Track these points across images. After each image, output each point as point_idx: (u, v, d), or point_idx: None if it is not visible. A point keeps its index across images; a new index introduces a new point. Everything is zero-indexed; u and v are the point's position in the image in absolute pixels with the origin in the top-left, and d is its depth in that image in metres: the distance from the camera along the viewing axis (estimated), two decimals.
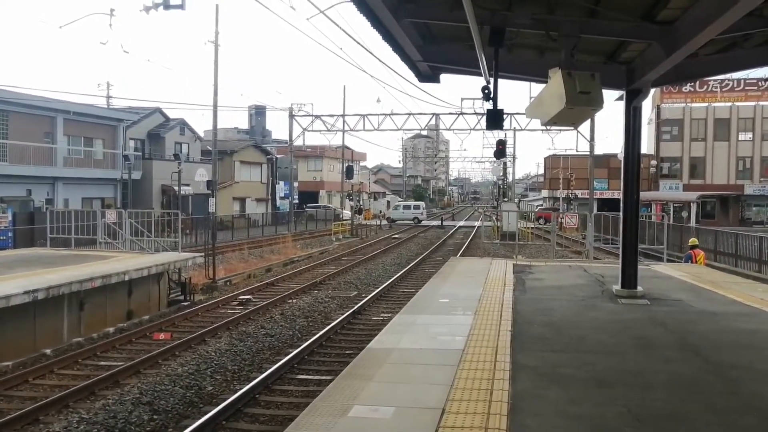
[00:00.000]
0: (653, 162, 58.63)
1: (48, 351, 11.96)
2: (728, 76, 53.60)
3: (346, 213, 52.42)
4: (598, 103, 7.95)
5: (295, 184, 54.09)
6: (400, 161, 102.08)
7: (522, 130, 45.54)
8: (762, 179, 57.78)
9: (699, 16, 7.66)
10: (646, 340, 8.13)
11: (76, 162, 37.45)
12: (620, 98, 11.72)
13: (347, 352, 11.88)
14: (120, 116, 41.78)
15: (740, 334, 8.59)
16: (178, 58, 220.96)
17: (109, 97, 50.76)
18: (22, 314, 11.73)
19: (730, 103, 58.83)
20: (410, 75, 12.53)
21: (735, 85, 57.71)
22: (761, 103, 56.88)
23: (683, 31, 8.20)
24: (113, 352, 12.49)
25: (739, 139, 59.07)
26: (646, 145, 59.37)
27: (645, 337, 8.32)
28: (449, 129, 47.98)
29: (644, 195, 45.03)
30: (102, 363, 11.62)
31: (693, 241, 18.74)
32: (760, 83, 54.88)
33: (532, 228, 39.71)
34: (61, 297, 12.70)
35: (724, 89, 58.13)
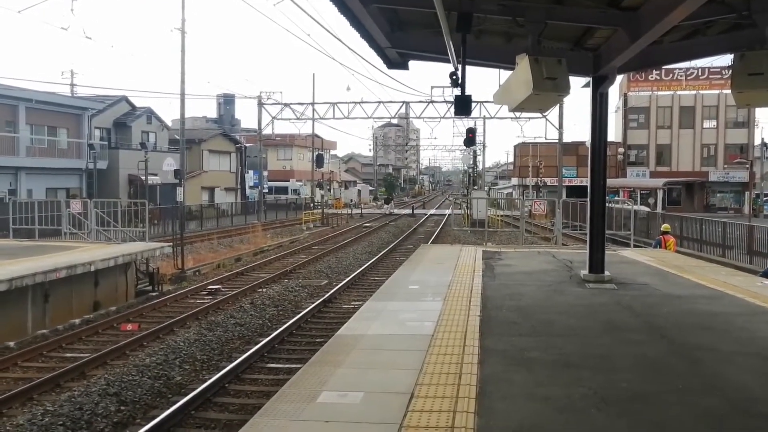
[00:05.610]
0: (620, 149, 59.34)
1: (11, 344, 11.74)
2: (693, 64, 54.34)
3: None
4: (564, 89, 8.00)
5: (265, 173, 53.71)
6: (370, 150, 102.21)
7: (491, 118, 45.81)
8: (726, 166, 58.71)
9: (662, 2, 7.72)
10: (612, 324, 8.22)
11: (39, 151, 36.80)
12: (587, 85, 11.78)
13: (317, 340, 11.86)
14: (85, 105, 41.09)
15: (704, 316, 8.73)
16: (144, 44, 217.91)
17: (73, 85, 49.82)
18: None
19: (694, 92, 59.74)
20: (379, 62, 12.46)
21: (699, 74, 58.59)
22: (725, 91, 57.54)
23: (647, 18, 8.26)
24: (79, 343, 12.32)
25: (704, 126, 60.04)
26: (614, 133, 60.09)
27: (612, 320, 8.41)
28: (419, 117, 48.11)
29: (612, 182, 45.55)
30: (68, 355, 11.46)
31: (665, 226, 18.83)
32: (723, 72, 55.58)
33: (501, 215, 39.92)
34: (25, 288, 12.48)
35: (688, 78, 59.01)
